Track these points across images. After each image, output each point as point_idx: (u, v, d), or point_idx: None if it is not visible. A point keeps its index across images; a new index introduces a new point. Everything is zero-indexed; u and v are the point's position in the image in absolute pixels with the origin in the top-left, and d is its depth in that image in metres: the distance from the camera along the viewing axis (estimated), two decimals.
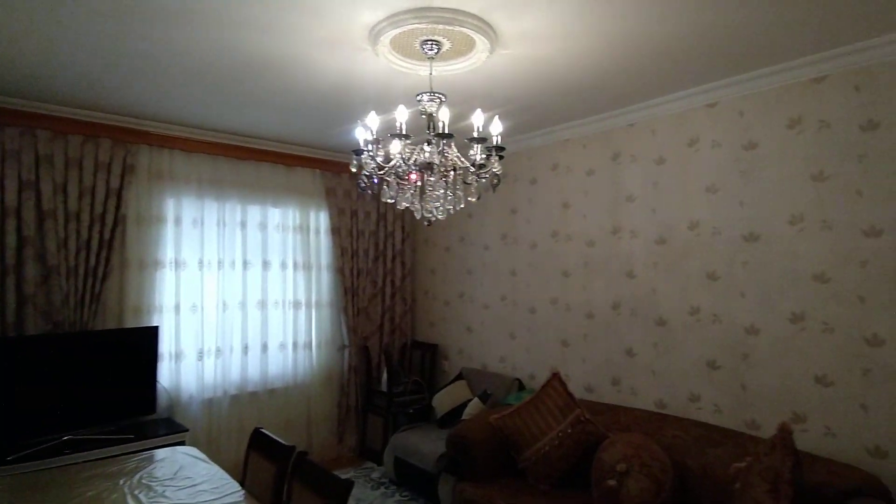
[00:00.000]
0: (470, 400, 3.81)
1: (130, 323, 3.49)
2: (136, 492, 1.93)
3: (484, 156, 2.10)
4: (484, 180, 2.18)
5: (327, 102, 3.11)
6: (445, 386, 4.16)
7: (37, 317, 3.13)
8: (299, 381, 4.28)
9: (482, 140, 1.97)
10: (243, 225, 4.03)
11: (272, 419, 4.10)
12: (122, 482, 2.02)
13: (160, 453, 2.40)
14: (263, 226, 4.15)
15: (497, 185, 2.16)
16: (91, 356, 3.17)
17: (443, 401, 3.98)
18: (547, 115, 3.43)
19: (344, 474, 4.03)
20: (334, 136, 3.84)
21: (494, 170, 2.16)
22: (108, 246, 3.34)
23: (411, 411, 4.03)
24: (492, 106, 2.97)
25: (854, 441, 2.38)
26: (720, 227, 2.89)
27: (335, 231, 4.45)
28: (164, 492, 1.94)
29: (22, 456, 2.71)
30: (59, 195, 3.19)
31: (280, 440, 2.12)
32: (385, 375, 4.41)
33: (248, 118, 3.50)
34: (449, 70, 2.43)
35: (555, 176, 3.84)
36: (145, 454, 2.41)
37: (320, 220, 4.45)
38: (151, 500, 1.86)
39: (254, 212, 4.10)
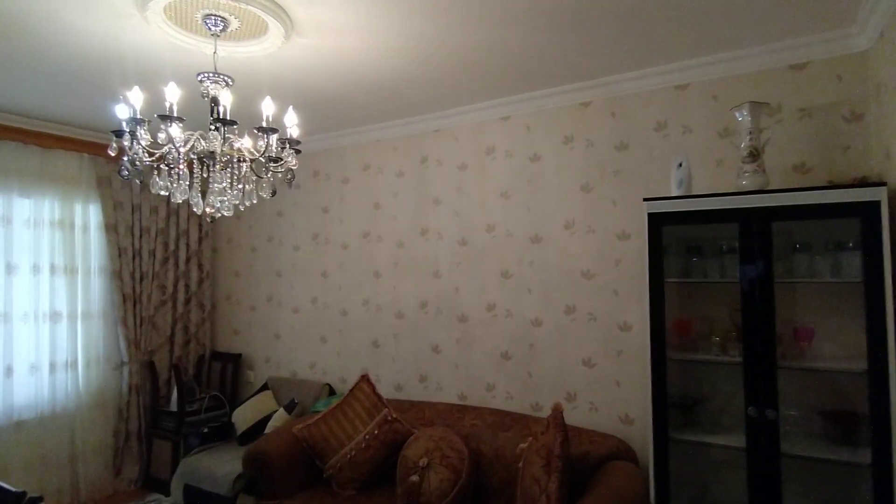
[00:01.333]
0: (275, 412, 3.57)
1: None
2: None
3: (279, 148, 1.96)
4: (279, 174, 2.04)
5: (91, 73, 2.61)
6: (248, 398, 3.83)
7: None
8: (58, 409, 3.53)
9: (272, 131, 1.83)
10: None
11: (20, 457, 3.32)
12: None
13: None
14: (6, 220, 3.34)
15: (292, 180, 2.03)
16: None
17: (244, 415, 3.66)
18: (354, 113, 3.38)
19: None
20: (105, 115, 3.26)
21: (290, 165, 2.03)
22: None
23: (205, 430, 3.62)
24: (291, 97, 2.82)
25: (611, 412, 2.81)
26: (512, 230, 3.17)
27: (110, 228, 3.78)
28: None
29: None
30: None
31: (7, 486, 1.68)
32: (175, 393, 3.89)
33: None
34: (239, 52, 2.22)
35: (367, 176, 3.81)
36: None
37: (90, 214, 3.74)
38: None
39: None
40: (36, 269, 3.46)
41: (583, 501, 2.09)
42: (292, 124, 2.02)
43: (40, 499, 1.52)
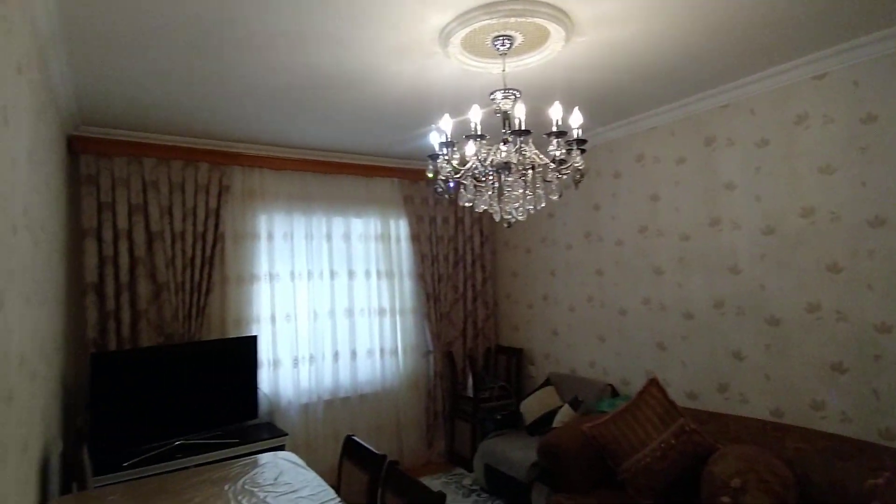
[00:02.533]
0: (560, 407, 3.67)
1: (231, 333, 3.72)
2: (239, 497, 2.02)
3: (564, 151, 2.00)
4: (565, 176, 2.08)
5: (402, 110, 3.14)
6: (533, 392, 4.04)
7: (150, 330, 3.41)
8: (387, 386, 4.36)
9: (561, 134, 1.87)
10: (329, 237, 4.17)
11: (364, 424, 4.20)
12: (226, 487, 2.12)
13: (262, 458, 2.51)
14: (347, 236, 4.28)
15: (580, 180, 2.05)
16: (198, 365, 3.40)
17: (531, 407, 3.87)
18: (629, 103, 3.23)
19: (435, 479, 4.03)
20: (410, 143, 3.88)
21: (577, 164, 2.04)
22: (209, 262, 3.58)
23: (499, 417, 3.96)
24: (570, 98, 2.83)
25: None
26: (839, 212, 2.56)
27: (415, 238, 4.49)
28: (265, 497, 2.02)
29: (138, 461, 2.93)
30: (165, 217, 3.47)
31: (371, 448, 2.14)
32: (470, 381, 4.37)
33: (328, 132, 3.62)
34: (522, 65, 2.35)
35: (640, 168, 3.61)
36: (248, 459, 2.52)
37: (400, 228, 4.52)
38: None
39: (338, 223, 4.24)
40: (367, 274, 4.34)
41: None
42: (578, 125, 2.03)
43: (396, 462, 1.87)
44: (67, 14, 1.90)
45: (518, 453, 3.41)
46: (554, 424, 3.52)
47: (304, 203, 4.07)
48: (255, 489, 2.11)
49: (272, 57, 2.32)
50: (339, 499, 1.98)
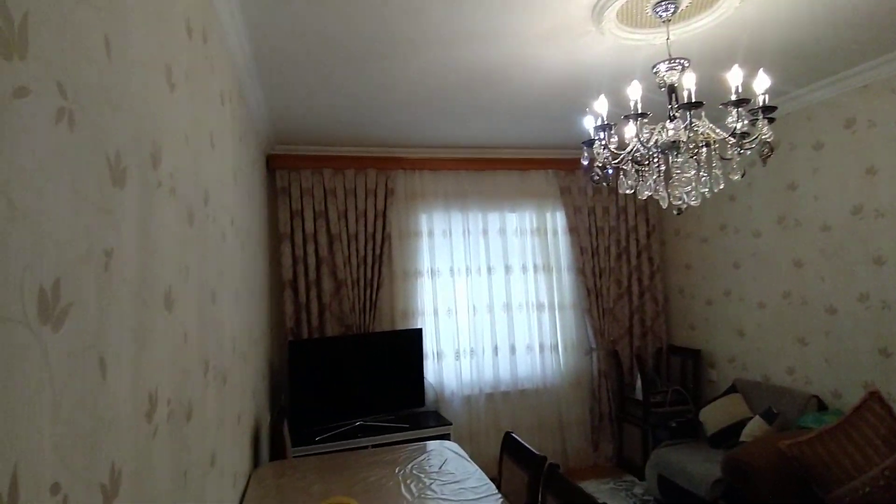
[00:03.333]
0: (749, 418, 3.20)
1: (399, 325, 4.00)
2: (408, 482, 2.14)
3: (747, 122, 1.72)
4: (748, 152, 1.79)
5: (555, 97, 3.02)
6: (715, 399, 3.59)
7: (333, 321, 3.83)
8: (548, 383, 4.27)
9: (743, 102, 1.61)
10: (485, 232, 4.23)
11: (525, 420, 4.17)
12: (396, 470, 2.27)
13: (430, 445, 2.64)
14: (503, 231, 4.29)
15: (769, 155, 1.74)
16: (373, 353, 3.73)
17: (713, 416, 3.44)
18: (825, 60, 2.68)
19: (603, 485, 3.84)
20: (564, 131, 3.73)
21: (764, 136, 1.74)
22: (379, 260, 3.89)
23: (674, 425, 3.61)
24: (751, 60, 2.45)
25: None
26: None
27: (573, 230, 4.32)
28: (431, 484, 2.11)
29: (326, 437, 3.33)
30: (342, 220, 3.86)
31: (531, 448, 2.10)
32: (639, 382, 4.06)
33: (481, 129, 3.66)
34: (690, 30, 2.08)
35: (851, 135, 2.97)
36: (416, 445, 2.67)
37: (557, 220, 4.39)
38: (420, 492, 2.03)
39: (493, 219, 4.27)
40: (524, 268, 4.30)
41: None
42: (763, 90, 1.73)
43: (557, 466, 1.80)
44: (258, 46, 2.20)
45: (698, 466, 3.07)
46: (742, 438, 3.09)
47: (461, 200, 4.18)
48: (422, 475, 2.22)
49: (430, 58, 2.40)
50: (500, 495, 1.98)
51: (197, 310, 1.40)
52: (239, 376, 2.13)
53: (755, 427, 3.07)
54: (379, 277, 3.89)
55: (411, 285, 4.04)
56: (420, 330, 3.86)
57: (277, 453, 2.79)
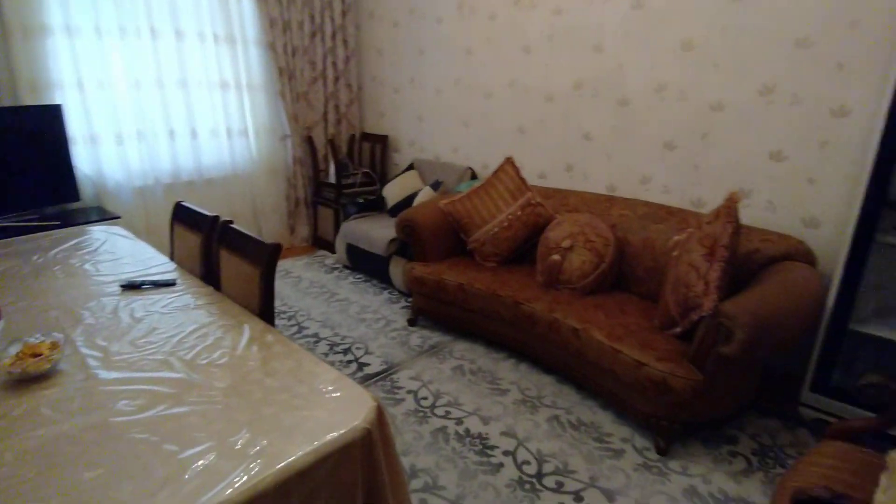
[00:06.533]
0: (421, 189, 3.70)
1: (28, 101, 3.01)
2: (54, 268, 1.78)
3: None
4: None
5: None
6: (396, 176, 4.01)
7: None
8: (240, 171, 4.02)
9: None
10: None
11: (215, 210, 3.89)
12: (35, 257, 1.86)
13: (91, 230, 2.21)
14: None
15: None
16: None
17: (394, 191, 3.87)
18: None
19: (298, 261, 4.07)
20: None
21: None
22: None
23: (361, 201, 3.93)
24: None
25: (792, 213, 2.43)
26: None
27: None
28: (81, 265, 1.80)
29: None
30: None
31: (203, 211, 1.96)
32: (333, 167, 4.19)
33: None
34: None
35: None
36: (62, 231, 2.22)
37: None
38: (67, 275, 1.72)
39: None
40: (201, 36, 3.60)
41: (746, 291, 1.92)
42: None
43: (231, 222, 1.72)
44: None
45: (379, 231, 3.48)
46: (414, 204, 3.59)
47: None
48: (73, 261, 1.87)
49: None
50: (170, 261, 1.84)
51: None
52: None
53: (425, 195, 3.58)
54: None
55: (38, 46, 2.98)
56: (59, 106, 2.99)
57: None
